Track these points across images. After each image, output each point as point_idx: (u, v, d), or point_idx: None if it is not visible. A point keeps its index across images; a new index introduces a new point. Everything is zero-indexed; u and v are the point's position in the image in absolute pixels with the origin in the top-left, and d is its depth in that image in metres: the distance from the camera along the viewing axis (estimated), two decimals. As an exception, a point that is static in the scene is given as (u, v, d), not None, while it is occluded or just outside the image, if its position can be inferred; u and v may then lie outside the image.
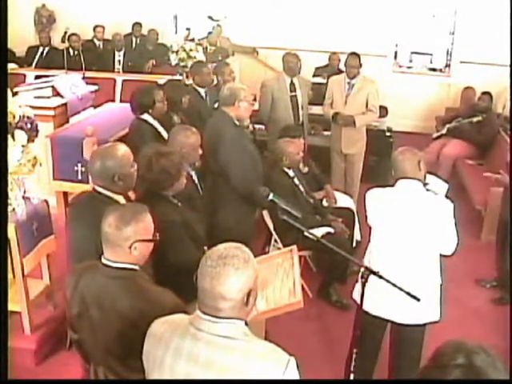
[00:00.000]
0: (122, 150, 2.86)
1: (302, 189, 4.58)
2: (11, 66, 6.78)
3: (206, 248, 2.86)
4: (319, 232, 4.15)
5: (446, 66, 8.96)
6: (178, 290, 2.42)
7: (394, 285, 2.59)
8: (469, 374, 1.40)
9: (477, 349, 1.44)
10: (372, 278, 2.65)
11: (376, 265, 2.83)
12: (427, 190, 3.01)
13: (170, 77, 6.66)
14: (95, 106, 5.92)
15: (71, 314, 2.26)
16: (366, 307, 2.82)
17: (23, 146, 3.45)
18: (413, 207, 2.94)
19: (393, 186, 3.04)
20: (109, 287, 2.15)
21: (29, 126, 3.46)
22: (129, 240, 2.14)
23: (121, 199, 2.86)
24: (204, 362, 1.69)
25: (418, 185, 2.97)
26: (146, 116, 4.28)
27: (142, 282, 2.19)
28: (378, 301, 2.96)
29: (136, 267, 2.19)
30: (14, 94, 4.76)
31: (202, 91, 5.31)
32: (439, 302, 3.05)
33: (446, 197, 3.13)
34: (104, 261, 2.18)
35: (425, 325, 3.07)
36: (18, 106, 3.50)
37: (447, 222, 2.93)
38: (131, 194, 3.33)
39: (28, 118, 3.48)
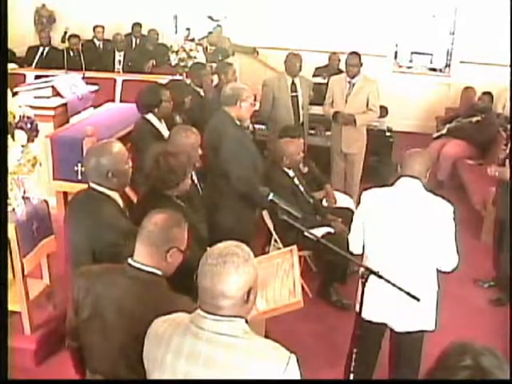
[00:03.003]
0: (117, 147, 2.87)
1: (302, 189, 4.58)
2: (11, 66, 6.77)
3: (208, 248, 2.86)
4: (319, 232, 4.15)
5: (446, 66, 8.96)
6: (180, 290, 2.42)
7: (394, 284, 2.59)
8: (476, 375, 1.39)
9: (484, 350, 1.44)
10: (371, 284, 2.63)
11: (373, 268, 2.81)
12: (427, 190, 2.98)
13: (170, 77, 6.66)
14: (95, 106, 5.92)
15: (78, 320, 2.19)
16: (364, 314, 2.81)
17: (23, 146, 3.45)
18: (411, 207, 2.91)
19: (391, 185, 3.03)
20: (132, 289, 2.11)
21: (29, 125, 3.46)
22: (168, 244, 2.13)
23: (116, 196, 2.87)
24: (205, 361, 1.69)
25: (419, 184, 2.93)
26: (150, 116, 4.29)
27: (163, 289, 2.16)
28: (376, 307, 2.96)
29: (161, 273, 2.16)
30: (14, 94, 4.75)
31: (200, 91, 5.31)
32: (435, 310, 3.03)
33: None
34: (132, 262, 2.14)
35: (422, 331, 3.06)
36: (18, 105, 3.50)
37: (446, 226, 2.88)
38: (133, 196, 3.33)
39: (28, 118, 3.48)
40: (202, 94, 5.32)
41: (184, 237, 2.23)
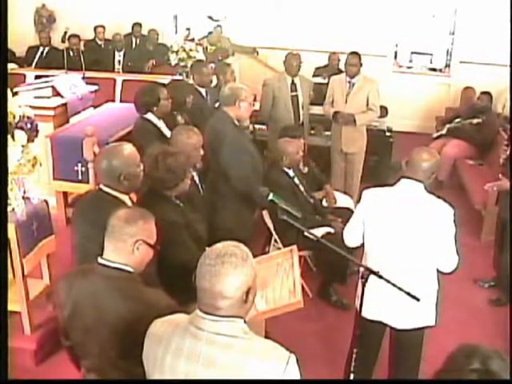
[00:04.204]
0: (129, 149, 2.86)
1: (302, 189, 4.58)
2: (11, 66, 6.78)
3: (207, 249, 2.86)
4: (319, 232, 4.15)
5: (446, 66, 8.96)
6: (179, 290, 2.42)
7: (394, 285, 2.59)
8: (484, 378, 1.40)
9: (492, 353, 1.44)
10: (371, 283, 2.63)
11: (373, 267, 2.80)
12: (428, 191, 2.97)
13: (170, 77, 6.67)
14: (95, 106, 5.92)
15: (64, 320, 2.23)
16: (363, 313, 2.81)
17: (23, 146, 3.45)
18: (411, 208, 2.90)
19: (392, 185, 3.02)
20: (104, 288, 2.13)
21: (29, 125, 3.46)
22: (134, 236, 2.14)
23: (126, 199, 2.87)
24: (205, 361, 1.69)
25: (420, 186, 2.91)
26: (149, 115, 4.26)
27: (135, 285, 2.17)
28: (376, 306, 2.96)
29: (132, 270, 2.17)
30: (14, 94, 4.76)
31: (202, 91, 5.31)
32: (435, 307, 3.03)
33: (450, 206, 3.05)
34: (101, 260, 2.16)
35: (423, 328, 3.06)
36: (17, 105, 3.50)
37: (447, 228, 2.87)
38: (132, 195, 3.34)
39: (28, 118, 3.48)
40: (204, 93, 5.31)
41: (151, 231, 2.22)
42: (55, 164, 4.88)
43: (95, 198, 2.88)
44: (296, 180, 4.54)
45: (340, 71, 6.45)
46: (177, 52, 6.89)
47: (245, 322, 1.75)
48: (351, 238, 3.15)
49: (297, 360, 1.72)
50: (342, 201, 5.00)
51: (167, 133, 4.18)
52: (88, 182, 4.74)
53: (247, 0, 8.82)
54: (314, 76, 7.67)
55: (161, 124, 4.30)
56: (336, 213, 4.69)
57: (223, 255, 1.71)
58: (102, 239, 2.19)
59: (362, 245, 3.11)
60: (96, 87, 6.19)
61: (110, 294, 2.12)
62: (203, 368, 1.69)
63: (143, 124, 4.28)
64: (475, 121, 6.78)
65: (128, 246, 2.14)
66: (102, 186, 2.86)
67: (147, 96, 4.26)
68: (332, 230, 4.37)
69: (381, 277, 2.59)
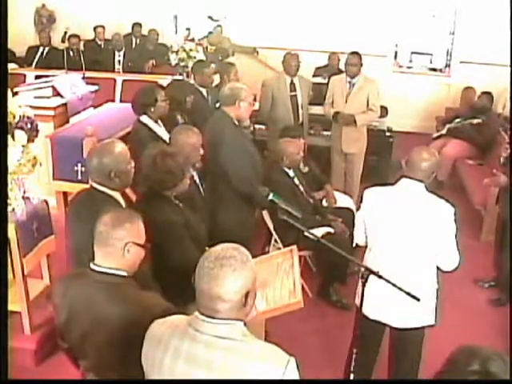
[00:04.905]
0: (119, 147, 2.87)
1: (302, 189, 4.58)
2: (11, 66, 6.78)
3: (207, 249, 2.86)
4: (319, 232, 4.15)
5: (446, 66, 8.96)
6: (179, 291, 2.41)
7: (394, 285, 2.59)
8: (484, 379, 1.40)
9: (493, 355, 1.43)
10: (370, 282, 2.63)
11: (373, 266, 2.81)
12: (428, 190, 2.97)
13: (170, 77, 6.67)
14: (95, 106, 5.92)
15: (60, 323, 2.23)
16: (364, 311, 2.81)
17: (23, 146, 3.46)
18: (412, 207, 2.91)
19: (393, 184, 3.02)
20: (98, 294, 2.11)
21: (29, 125, 3.47)
22: (123, 240, 2.12)
23: (118, 196, 2.87)
24: (203, 364, 1.68)
25: (421, 186, 2.92)
26: (145, 118, 4.22)
27: (130, 289, 2.16)
28: (376, 305, 2.96)
29: (125, 274, 2.16)
30: (14, 94, 4.76)
31: (203, 91, 5.30)
32: (435, 307, 3.04)
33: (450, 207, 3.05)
34: (93, 266, 2.14)
35: (423, 327, 3.06)
36: (18, 105, 3.50)
37: (447, 227, 2.88)
38: (132, 195, 3.34)
39: (28, 118, 3.48)
40: (205, 93, 5.31)
41: (139, 231, 2.21)
42: (55, 164, 4.87)
43: (87, 196, 2.88)
44: (296, 180, 4.54)
45: (340, 71, 6.45)
46: (177, 52, 6.89)
47: (244, 324, 1.75)
48: (357, 237, 3.21)
49: (297, 362, 1.71)
50: (342, 201, 5.00)
51: (164, 135, 4.15)
52: (88, 182, 4.74)
53: (247, 0, 8.82)
54: (314, 76, 7.66)
55: (157, 127, 4.27)
56: (336, 213, 4.69)
57: (222, 258, 1.69)
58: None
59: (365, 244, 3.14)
60: (96, 87, 6.18)
61: (104, 300, 2.11)
62: (202, 370, 1.68)
63: (138, 129, 4.24)
64: (475, 121, 6.78)
65: (118, 250, 2.12)
66: (93, 184, 2.86)
67: (144, 97, 4.23)
68: (332, 230, 4.37)
69: (381, 277, 2.60)
